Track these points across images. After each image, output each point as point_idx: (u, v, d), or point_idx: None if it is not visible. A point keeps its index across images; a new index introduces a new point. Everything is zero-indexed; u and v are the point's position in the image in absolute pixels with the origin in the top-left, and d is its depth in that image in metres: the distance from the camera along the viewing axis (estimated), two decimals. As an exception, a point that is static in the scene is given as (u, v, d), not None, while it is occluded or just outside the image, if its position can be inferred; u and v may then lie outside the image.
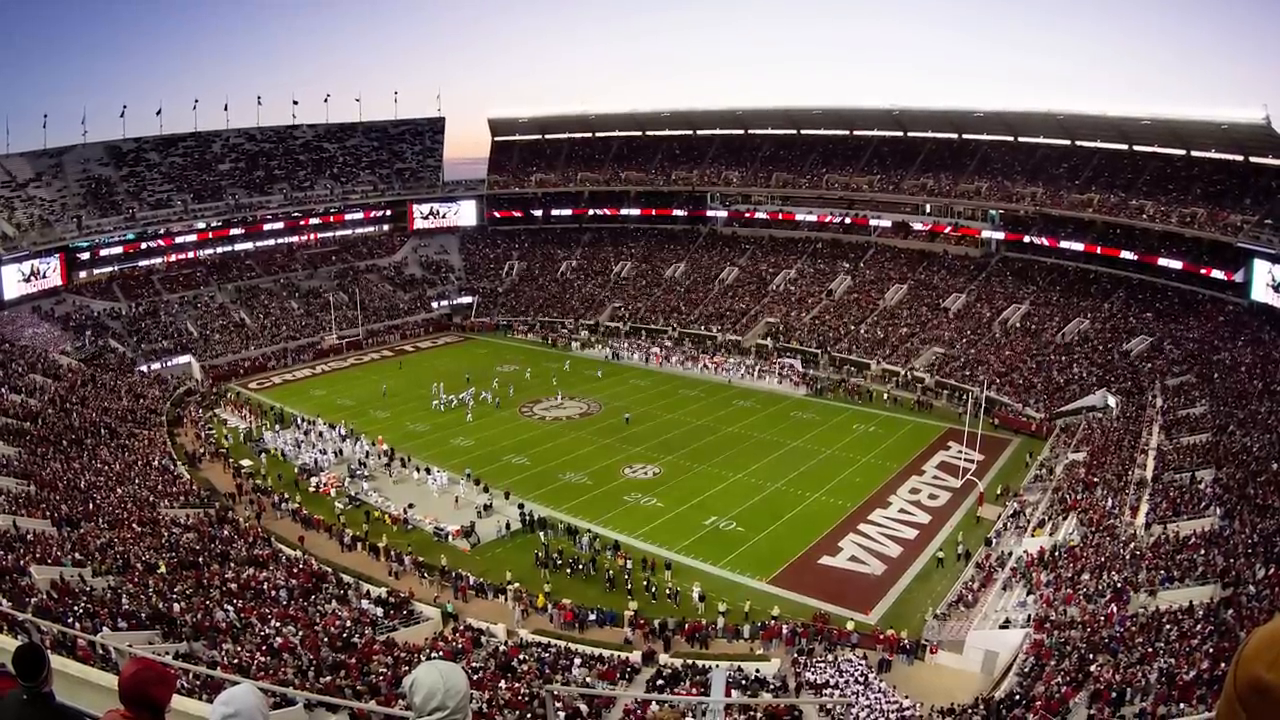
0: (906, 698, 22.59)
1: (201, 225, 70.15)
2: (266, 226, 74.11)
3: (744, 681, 22.91)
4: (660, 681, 22.85)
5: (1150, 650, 20.09)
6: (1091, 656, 20.75)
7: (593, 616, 28.09)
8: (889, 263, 67.25)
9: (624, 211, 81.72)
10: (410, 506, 36.17)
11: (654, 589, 29.90)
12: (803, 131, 77.71)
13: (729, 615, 27.79)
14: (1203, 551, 24.31)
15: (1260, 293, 46.08)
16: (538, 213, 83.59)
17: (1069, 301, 56.58)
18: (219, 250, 71.30)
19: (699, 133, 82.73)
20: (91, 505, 31.43)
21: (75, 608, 20.79)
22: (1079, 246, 59.08)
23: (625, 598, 29.11)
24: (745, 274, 71.00)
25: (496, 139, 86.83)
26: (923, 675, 25.22)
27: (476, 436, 45.84)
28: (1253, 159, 52.87)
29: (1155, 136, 57.76)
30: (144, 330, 60.30)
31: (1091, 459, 36.80)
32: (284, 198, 75.28)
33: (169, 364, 57.31)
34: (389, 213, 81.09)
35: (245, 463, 41.26)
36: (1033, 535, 31.10)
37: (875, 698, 22.30)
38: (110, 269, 64.61)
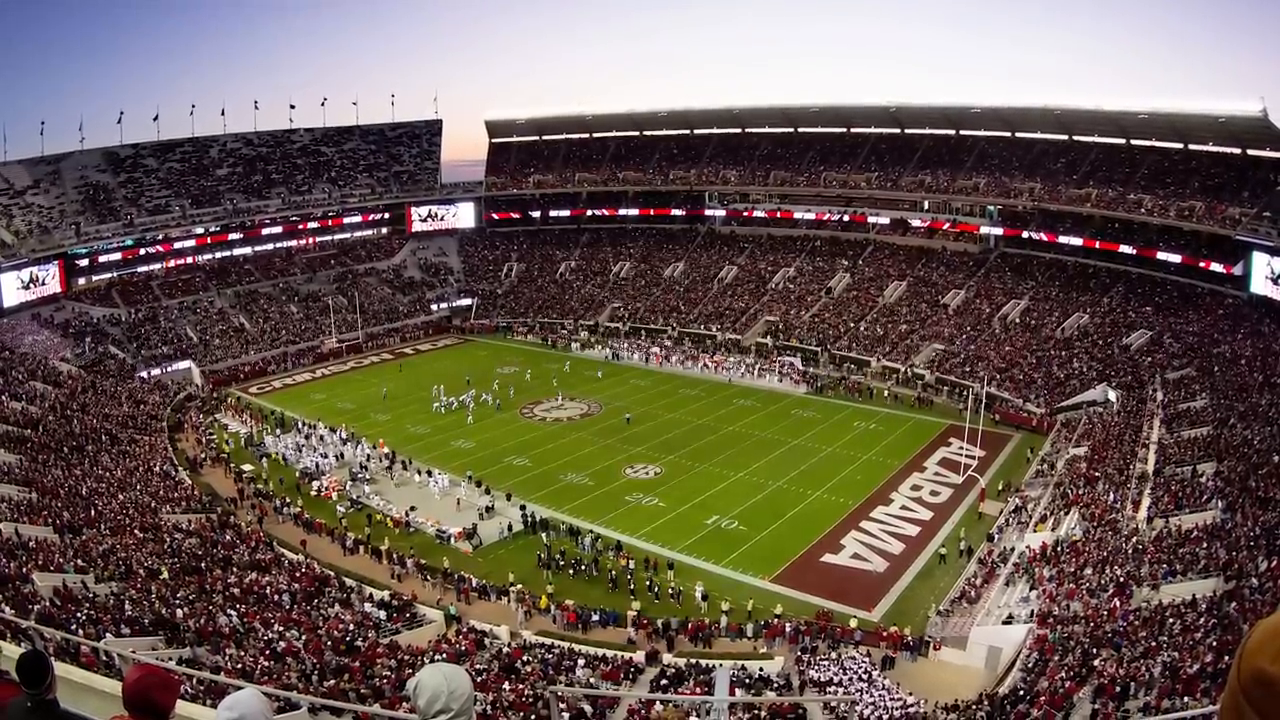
0: (910, 694, 22.59)
1: (200, 230, 70.09)
2: (265, 231, 74.09)
3: (748, 680, 22.93)
4: (664, 681, 22.88)
5: (1154, 644, 20.10)
6: (1095, 651, 20.77)
7: (596, 617, 28.11)
8: (888, 260, 67.23)
9: (622, 212, 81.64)
10: (412, 509, 36.15)
11: (656, 589, 29.91)
12: (800, 130, 77.73)
13: (732, 614, 27.81)
14: (1205, 545, 24.31)
15: (1259, 285, 46.09)
16: (536, 214, 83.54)
17: (1068, 296, 56.58)
18: (218, 255, 71.30)
19: (696, 132, 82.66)
20: (93, 512, 31.41)
21: (78, 614, 20.78)
22: (1078, 241, 59.12)
23: (628, 598, 29.12)
24: (744, 273, 70.99)
25: (494, 140, 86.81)
26: (926, 672, 25.24)
27: (477, 438, 45.84)
28: (1250, 152, 52.85)
29: (1153, 130, 57.79)
30: (144, 336, 60.30)
31: (1093, 454, 36.80)
32: (282, 202, 75.27)
33: (169, 369, 57.37)
34: (387, 215, 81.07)
35: (246, 467, 41.26)
36: (1035, 530, 31.10)
37: (879, 695, 22.32)
38: (109, 275, 64.61)
